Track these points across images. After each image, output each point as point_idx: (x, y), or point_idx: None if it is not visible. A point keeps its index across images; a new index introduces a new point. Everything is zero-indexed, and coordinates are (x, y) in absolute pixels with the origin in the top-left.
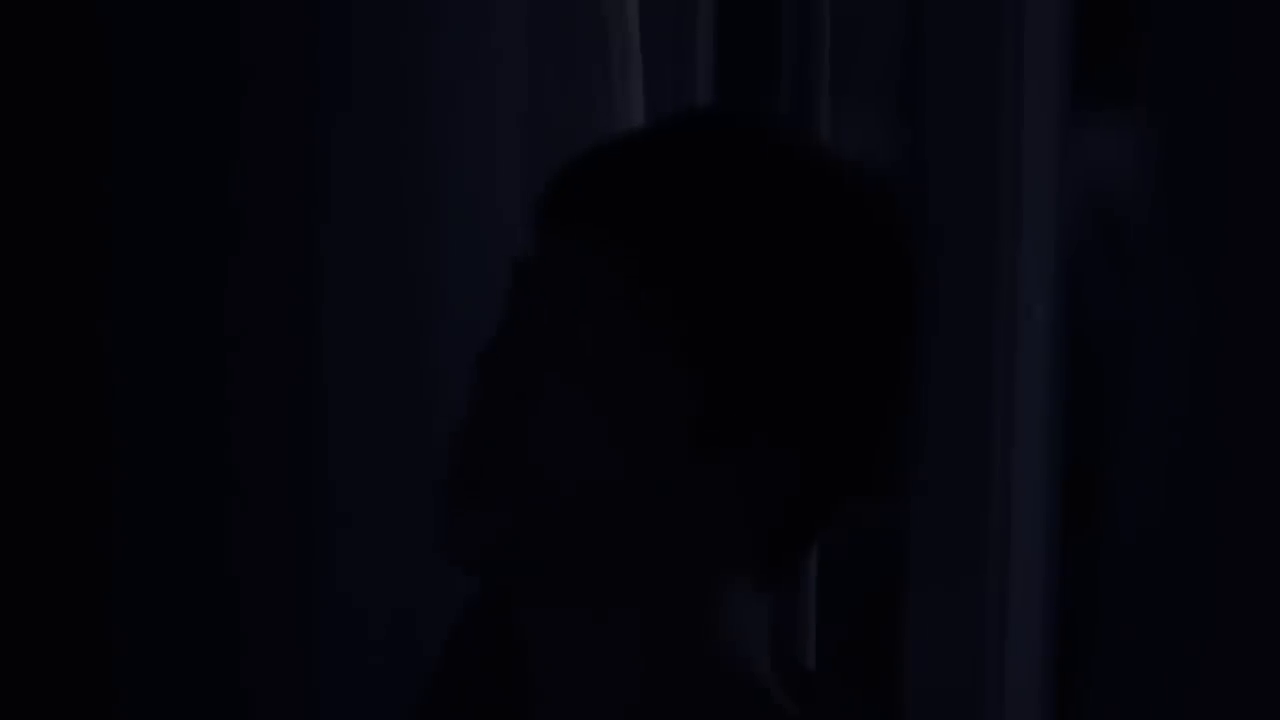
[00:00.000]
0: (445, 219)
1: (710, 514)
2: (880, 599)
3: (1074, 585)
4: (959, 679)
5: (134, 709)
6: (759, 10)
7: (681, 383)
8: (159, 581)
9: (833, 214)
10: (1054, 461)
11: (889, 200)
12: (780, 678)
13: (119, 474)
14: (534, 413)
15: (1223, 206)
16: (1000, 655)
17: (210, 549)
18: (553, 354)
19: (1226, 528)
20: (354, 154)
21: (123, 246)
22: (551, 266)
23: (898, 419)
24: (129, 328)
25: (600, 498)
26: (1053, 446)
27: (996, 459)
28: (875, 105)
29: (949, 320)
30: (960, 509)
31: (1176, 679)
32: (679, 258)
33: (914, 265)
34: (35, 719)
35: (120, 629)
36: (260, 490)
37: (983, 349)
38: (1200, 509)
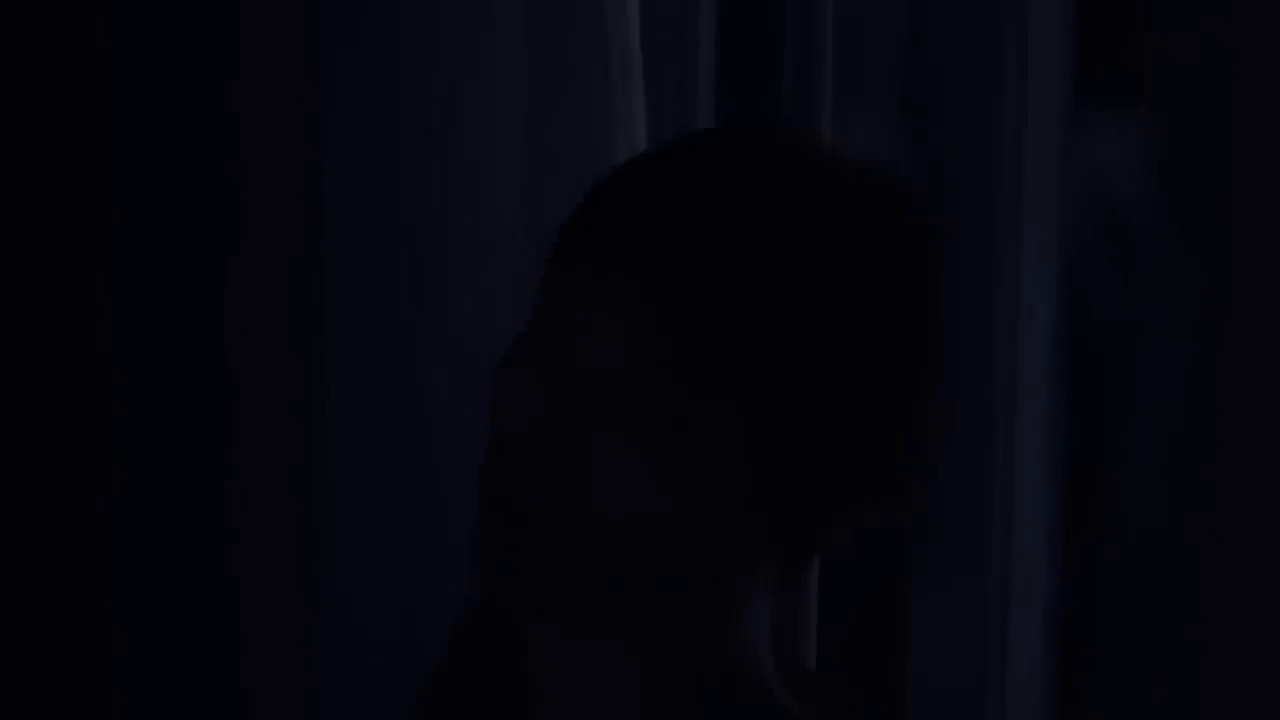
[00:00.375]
0: (445, 220)
1: (748, 540)
2: (882, 599)
3: (1076, 585)
4: (961, 679)
5: (134, 709)
6: (761, 9)
7: (741, 424)
8: (159, 581)
9: (881, 252)
10: (1056, 461)
11: (924, 225)
12: (782, 677)
13: (119, 474)
14: (594, 450)
15: (1226, 206)
16: (1002, 655)
17: (210, 549)
18: (615, 395)
19: (1228, 528)
20: (354, 155)
21: (123, 246)
22: (604, 303)
23: (919, 431)
24: (129, 328)
25: (650, 533)
26: (1055, 446)
27: (999, 459)
28: (878, 105)
29: (952, 320)
30: (962, 508)
31: (1178, 679)
32: (741, 300)
33: (941, 290)
34: (35, 719)
35: (120, 629)
36: (260, 490)
37: (985, 349)
38: (1202, 509)
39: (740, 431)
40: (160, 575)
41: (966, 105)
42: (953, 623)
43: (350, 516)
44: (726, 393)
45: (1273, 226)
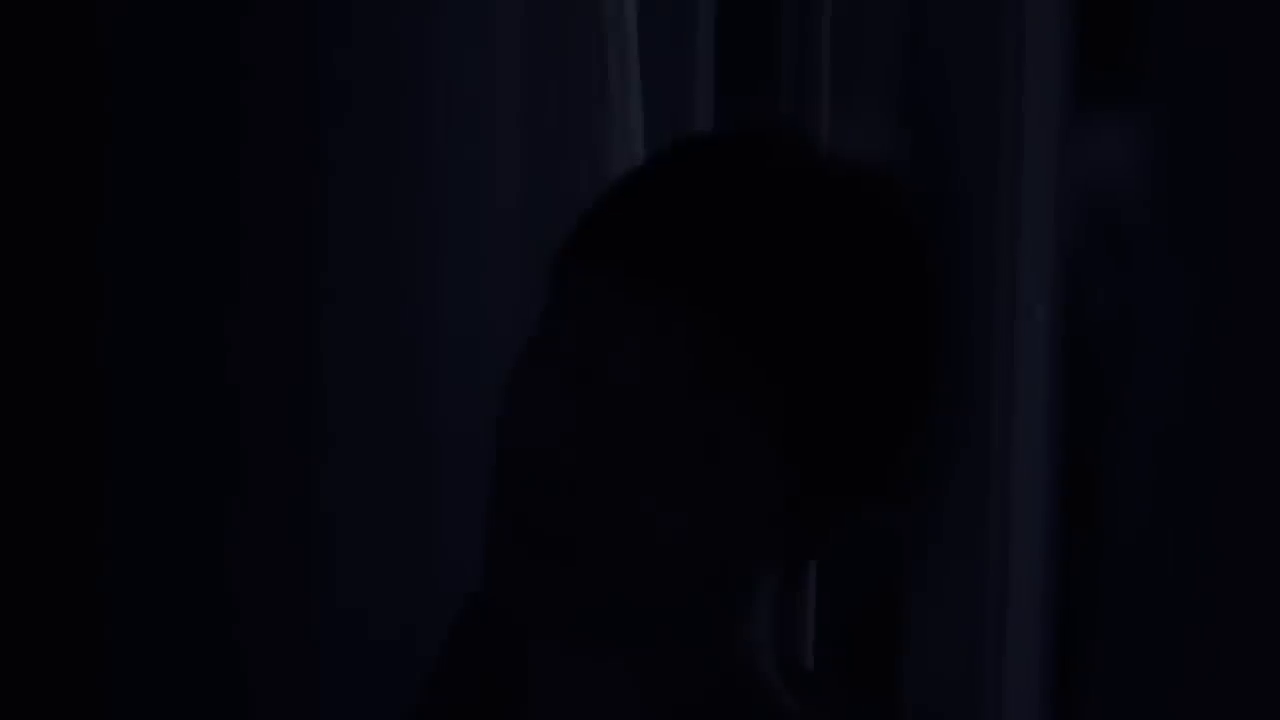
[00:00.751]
0: (443, 221)
1: (764, 550)
2: (880, 599)
3: (1073, 586)
4: (958, 679)
5: (133, 710)
6: (759, 10)
7: (766, 439)
8: (158, 583)
9: (895, 261)
10: (1054, 462)
11: (928, 229)
12: (782, 678)
13: (118, 475)
14: (628, 468)
15: (1224, 207)
16: (999, 655)
17: (210, 549)
18: (648, 413)
19: (1226, 527)
20: (352, 155)
21: (123, 246)
22: (638, 325)
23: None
24: (129, 328)
25: (675, 549)
26: (1053, 446)
27: (996, 459)
28: (875, 105)
29: (949, 321)
30: (960, 508)
31: (1177, 679)
32: (770, 317)
33: (944, 292)
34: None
35: (119, 630)
36: (260, 492)
37: (983, 349)
38: (1200, 509)
39: (765, 446)
40: (159, 576)
41: (964, 105)
42: (950, 622)
43: (349, 516)
44: (754, 409)
45: (1270, 227)
